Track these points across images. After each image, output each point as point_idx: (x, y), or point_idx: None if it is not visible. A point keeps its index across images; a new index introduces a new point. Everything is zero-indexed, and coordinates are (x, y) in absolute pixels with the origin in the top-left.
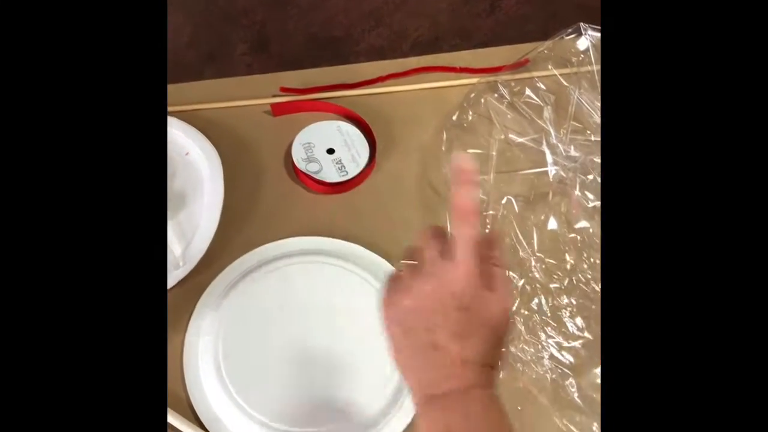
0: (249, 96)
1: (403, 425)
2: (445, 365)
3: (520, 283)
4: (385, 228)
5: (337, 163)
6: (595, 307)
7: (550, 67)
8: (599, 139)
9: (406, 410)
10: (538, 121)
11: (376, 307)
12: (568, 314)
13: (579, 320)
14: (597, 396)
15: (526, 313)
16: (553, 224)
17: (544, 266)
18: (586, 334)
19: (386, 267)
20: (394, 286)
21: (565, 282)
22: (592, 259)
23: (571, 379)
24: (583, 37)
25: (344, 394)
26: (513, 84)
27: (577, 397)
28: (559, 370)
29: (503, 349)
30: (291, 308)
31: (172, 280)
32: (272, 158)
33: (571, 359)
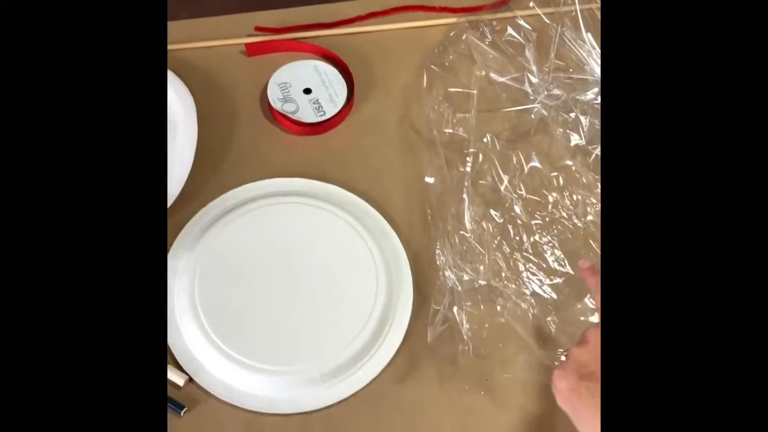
0: (223, 36)
1: (384, 362)
2: None
3: (501, 220)
4: (363, 169)
5: (314, 103)
6: (577, 242)
7: (532, 5)
8: (581, 76)
9: (388, 347)
10: (520, 59)
11: (354, 245)
12: (549, 250)
13: (560, 254)
14: (577, 331)
15: (508, 250)
16: (534, 162)
17: (525, 204)
18: (568, 269)
19: (365, 207)
20: (565, 360)
21: (546, 219)
22: (574, 196)
23: (552, 315)
24: None
25: (324, 332)
26: (495, 23)
27: (557, 332)
28: (542, 306)
29: None
30: (268, 247)
31: None
32: (247, 99)
33: (554, 295)
